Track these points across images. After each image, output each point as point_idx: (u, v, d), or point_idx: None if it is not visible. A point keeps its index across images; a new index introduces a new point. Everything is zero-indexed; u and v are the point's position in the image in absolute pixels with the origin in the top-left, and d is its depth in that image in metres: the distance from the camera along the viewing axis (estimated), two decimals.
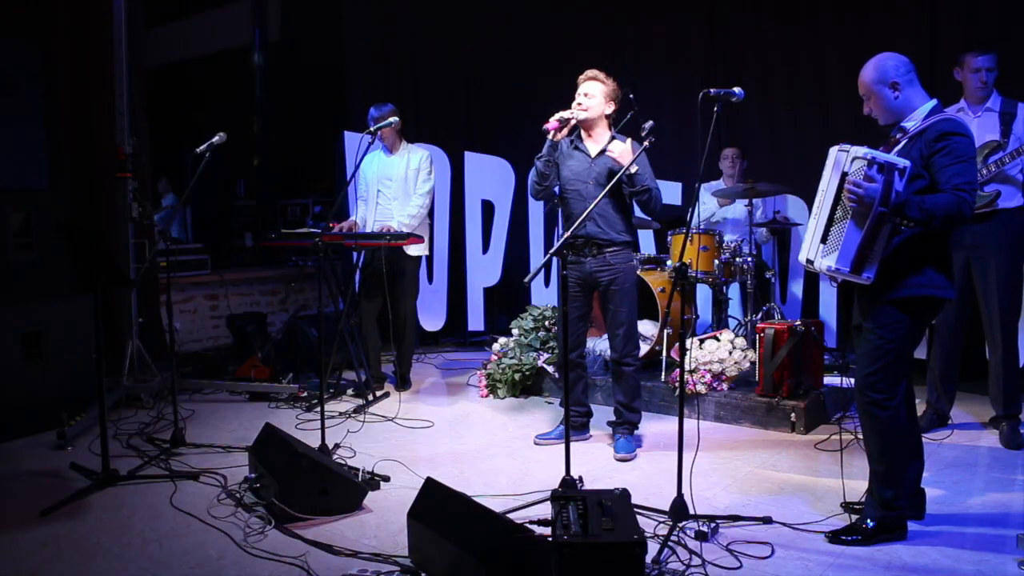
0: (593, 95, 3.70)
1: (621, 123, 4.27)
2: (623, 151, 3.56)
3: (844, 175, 2.66)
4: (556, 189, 3.86)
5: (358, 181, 4.99)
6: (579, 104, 3.71)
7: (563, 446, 3.14)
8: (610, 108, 3.75)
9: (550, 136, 3.66)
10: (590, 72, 3.76)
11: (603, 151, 3.68)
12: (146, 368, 4.89)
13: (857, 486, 3.02)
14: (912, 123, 2.75)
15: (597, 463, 3.70)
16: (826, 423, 4.26)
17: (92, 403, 4.21)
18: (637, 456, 3.77)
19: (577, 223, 3.28)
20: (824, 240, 2.74)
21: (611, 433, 3.92)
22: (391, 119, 4.54)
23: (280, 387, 4.95)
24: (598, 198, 3.36)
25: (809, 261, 2.81)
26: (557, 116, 3.65)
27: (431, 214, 6.10)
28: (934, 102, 2.76)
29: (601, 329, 4.99)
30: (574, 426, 3.96)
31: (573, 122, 3.70)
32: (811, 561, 2.65)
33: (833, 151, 2.80)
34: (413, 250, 4.91)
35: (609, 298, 3.78)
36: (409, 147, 5.01)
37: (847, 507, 3.02)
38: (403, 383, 5.23)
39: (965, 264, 3.83)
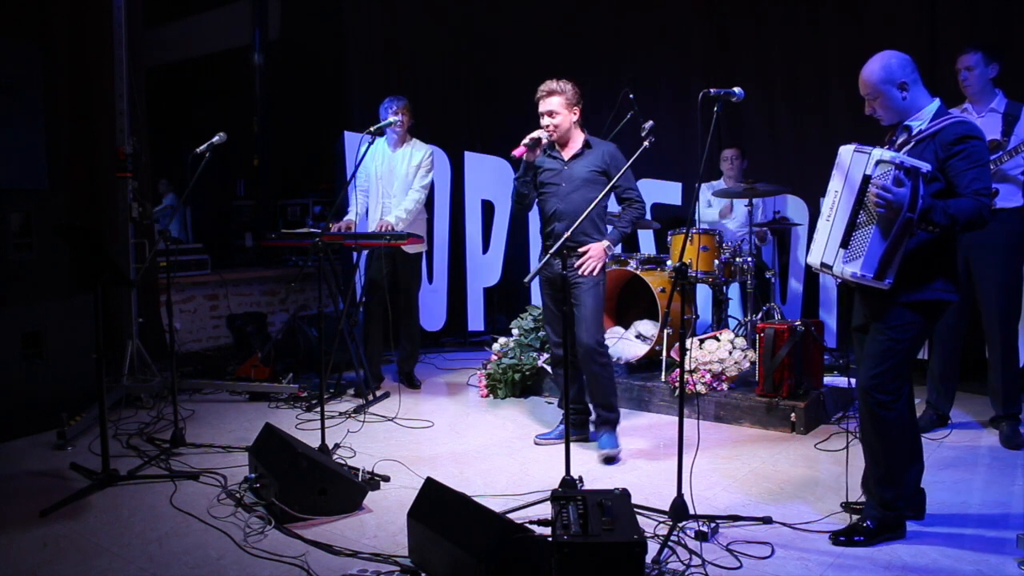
0: (558, 112, 3.68)
1: (621, 123, 4.29)
2: (596, 254, 3.62)
3: (867, 179, 2.58)
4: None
5: (359, 174, 4.98)
6: (547, 127, 3.68)
7: (563, 446, 3.14)
8: (575, 115, 3.74)
9: (524, 158, 3.67)
10: (546, 87, 3.71)
11: (577, 155, 3.74)
12: (146, 368, 4.89)
13: (857, 486, 3.02)
14: (918, 123, 2.70)
15: (597, 463, 3.70)
16: (826, 423, 4.26)
17: (92, 403, 4.21)
18: (621, 450, 3.74)
19: (575, 226, 3.32)
20: (845, 245, 2.67)
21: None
22: (391, 120, 4.55)
23: (280, 387, 4.95)
24: (576, 202, 3.43)
25: (825, 265, 2.74)
26: (526, 140, 3.62)
27: (431, 210, 6.11)
28: (938, 102, 2.72)
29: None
30: (573, 424, 3.95)
31: (545, 142, 3.69)
32: (811, 561, 2.65)
33: (848, 151, 2.71)
34: (411, 249, 4.91)
35: (574, 296, 3.75)
36: (414, 143, 5.02)
37: (847, 507, 3.02)
38: (412, 381, 5.24)
39: (964, 264, 3.83)
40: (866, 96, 2.77)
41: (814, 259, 2.82)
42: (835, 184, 2.75)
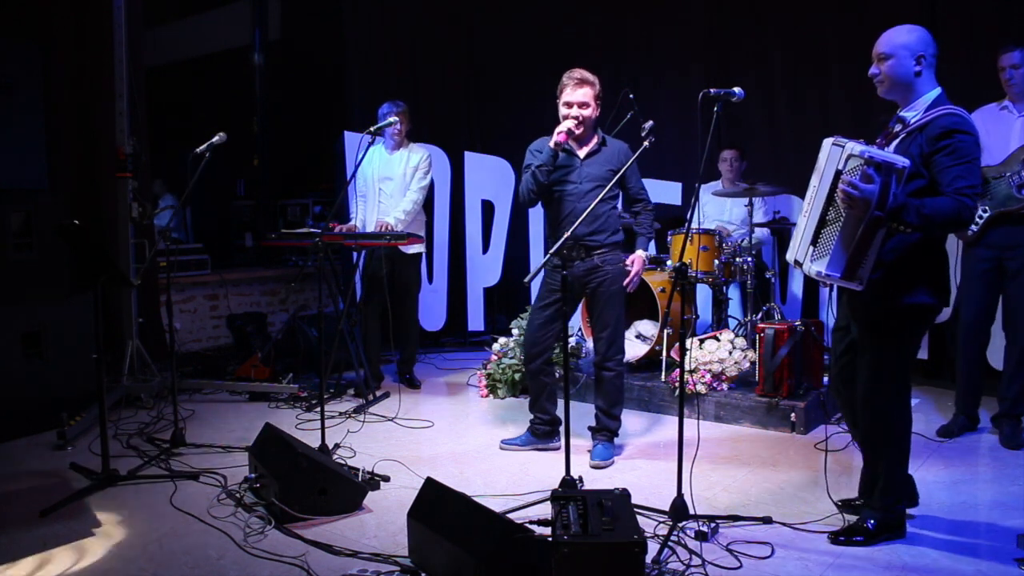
0: (588, 103, 3.57)
1: (621, 123, 4.28)
2: (640, 268, 3.67)
3: (838, 173, 2.49)
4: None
5: (356, 178, 4.98)
6: (577, 118, 3.54)
7: (563, 448, 3.14)
8: (598, 111, 3.66)
9: (551, 144, 3.53)
10: (577, 74, 3.57)
11: (593, 152, 3.65)
12: (146, 368, 4.89)
13: (857, 485, 3.02)
14: (913, 113, 2.60)
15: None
16: (826, 423, 4.25)
17: (92, 403, 4.21)
18: (614, 463, 3.70)
19: (576, 224, 3.26)
20: (815, 243, 2.59)
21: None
22: (391, 119, 4.55)
23: (280, 387, 4.95)
24: (592, 203, 3.33)
25: (798, 263, 2.68)
26: (564, 128, 3.50)
27: (430, 212, 6.12)
28: (938, 90, 2.60)
29: None
30: (540, 435, 3.92)
31: (576, 133, 3.58)
32: (811, 561, 2.65)
33: (827, 144, 2.61)
34: (409, 249, 4.91)
35: (596, 300, 3.71)
36: (411, 146, 5.02)
37: (843, 505, 3.02)
38: (412, 381, 5.25)
39: (996, 263, 3.78)
40: (878, 55, 2.63)
41: (790, 255, 2.77)
42: (814, 178, 2.67)
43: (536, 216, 6.44)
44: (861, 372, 2.74)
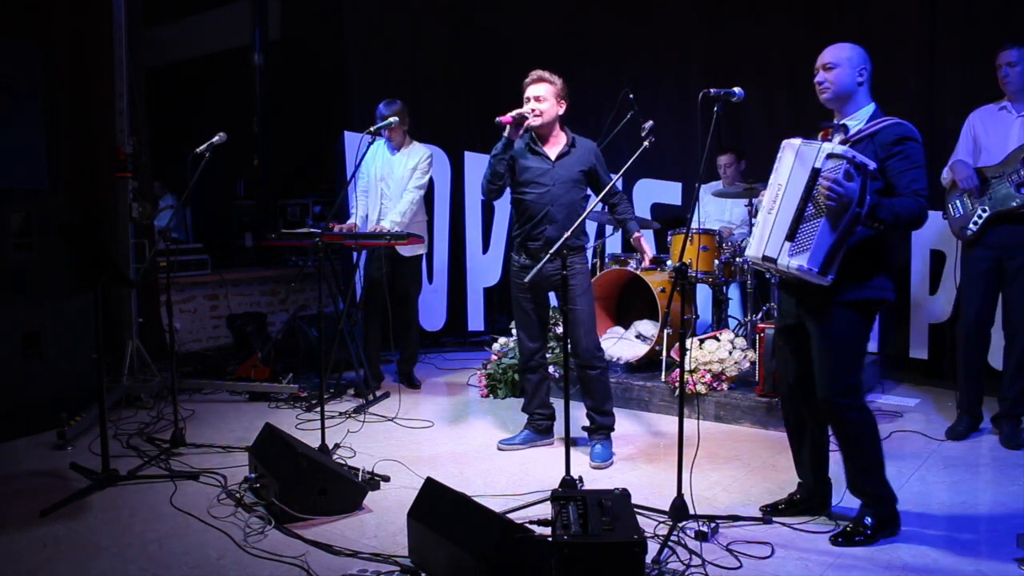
0: (544, 98, 3.63)
1: (621, 123, 4.28)
2: (644, 241, 3.82)
3: (816, 172, 2.59)
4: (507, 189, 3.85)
5: (360, 176, 4.98)
6: (533, 111, 3.62)
7: (563, 448, 3.14)
8: (562, 108, 3.69)
9: (505, 133, 3.61)
10: (536, 73, 3.68)
11: (563, 154, 3.69)
12: (146, 368, 4.89)
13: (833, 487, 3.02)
14: (855, 123, 2.74)
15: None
16: None
17: (92, 403, 4.21)
18: (614, 463, 3.70)
19: (574, 227, 3.29)
20: (791, 238, 2.64)
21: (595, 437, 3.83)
22: (390, 119, 4.54)
23: (280, 387, 4.95)
24: (565, 205, 3.53)
25: (768, 259, 2.71)
26: (513, 112, 3.59)
27: (431, 212, 6.11)
28: (874, 105, 2.76)
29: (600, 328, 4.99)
30: (539, 430, 3.95)
31: (527, 124, 3.63)
32: (811, 561, 2.65)
33: (795, 143, 2.72)
34: (407, 251, 4.90)
35: (566, 299, 3.71)
36: (412, 146, 5.01)
37: (769, 509, 3.03)
38: (412, 381, 5.25)
39: (995, 262, 3.79)
40: (824, 64, 2.77)
41: (754, 252, 2.78)
42: (779, 177, 2.74)
43: None
44: (819, 373, 2.76)
